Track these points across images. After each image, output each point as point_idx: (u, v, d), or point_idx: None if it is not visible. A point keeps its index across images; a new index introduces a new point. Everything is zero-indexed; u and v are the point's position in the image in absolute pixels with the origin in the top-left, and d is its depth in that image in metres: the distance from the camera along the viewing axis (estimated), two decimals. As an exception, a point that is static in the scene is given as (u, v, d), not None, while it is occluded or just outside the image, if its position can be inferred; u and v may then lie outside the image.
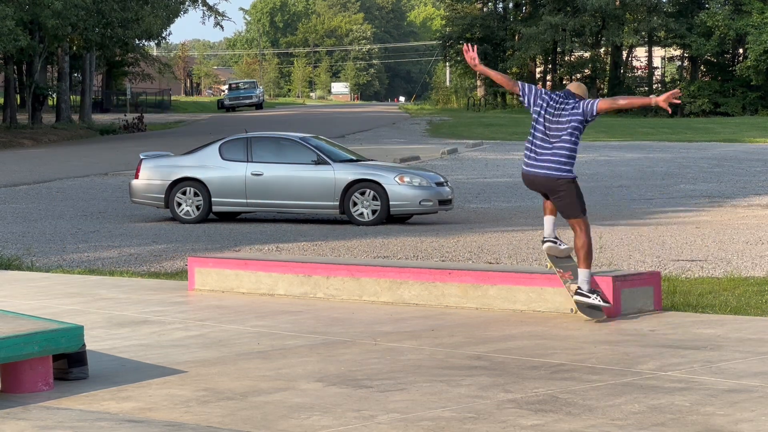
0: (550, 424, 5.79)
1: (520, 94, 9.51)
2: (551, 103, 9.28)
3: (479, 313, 9.57)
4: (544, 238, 9.49)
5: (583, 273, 9.06)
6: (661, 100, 9.00)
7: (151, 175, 20.01)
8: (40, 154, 40.30)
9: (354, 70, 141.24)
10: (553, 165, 9.15)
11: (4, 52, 48.11)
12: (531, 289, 9.59)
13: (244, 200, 19.52)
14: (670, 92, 9.00)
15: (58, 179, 29.24)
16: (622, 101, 9.47)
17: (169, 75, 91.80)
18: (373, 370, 7.25)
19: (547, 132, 9.21)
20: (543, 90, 9.48)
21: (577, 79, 79.96)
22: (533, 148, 9.27)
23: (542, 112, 9.26)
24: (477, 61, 9.52)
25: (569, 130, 9.14)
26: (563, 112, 9.19)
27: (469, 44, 9.60)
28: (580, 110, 9.16)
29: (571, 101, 9.24)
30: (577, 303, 9.05)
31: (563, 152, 9.15)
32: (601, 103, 9.20)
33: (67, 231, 18.16)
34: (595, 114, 9.15)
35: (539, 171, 9.21)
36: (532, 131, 9.30)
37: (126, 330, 9.10)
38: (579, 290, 9.02)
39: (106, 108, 76.05)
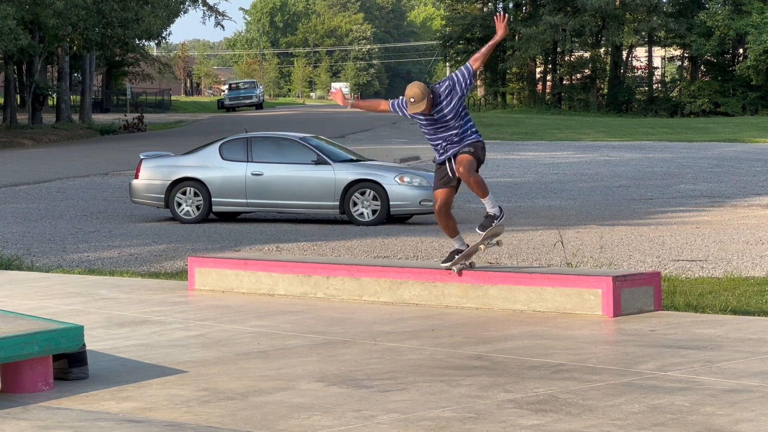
0: (550, 424, 5.79)
1: (392, 111, 9.53)
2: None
3: (479, 313, 9.57)
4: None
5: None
6: (500, 32, 9.23)
7: (151, 175, 20.02)
8: (40, 154, 40.30)
9: (354, 70, 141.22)
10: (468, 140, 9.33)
11: (5, 52, 48.10)
12: (531, 289, 9.59)
13: (244, 200, 19.52)
14: (502, 20, 9.23)
15: (58, 179, 29.25)
16: (483, 49, 9.30)
17: (169, 75, 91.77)
18: (373, 370, 7.25)
19: (445, 125, 9.33)
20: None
21: (578, 79, 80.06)
22: (445, 144, 9.39)
23: (428, 116, 9.30)
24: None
25: (456, 109, 9.26)
26: (442, 102, 9.23)
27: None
28: (453, 84, 9.23)
29: (440, 88, 9.25)
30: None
31: (467, 126, 9.33)
32: (472, 62, 9.24)
33: (67, 231, 18.16)
34: (472, 71, 9.22)
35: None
36: (433, 134, 9.38)
37: (126, 330, 9.10)
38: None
39: (106, 108, 76.07)
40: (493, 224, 9.54)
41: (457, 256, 9.74)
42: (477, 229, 9.62)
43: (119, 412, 6.29)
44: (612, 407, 6.11)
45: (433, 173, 19.91)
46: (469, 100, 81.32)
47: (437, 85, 9.33)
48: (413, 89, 9.17)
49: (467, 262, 9.80)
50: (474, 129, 9.39)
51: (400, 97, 9.41)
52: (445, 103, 9.23)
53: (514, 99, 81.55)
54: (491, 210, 9.56)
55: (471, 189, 9.27)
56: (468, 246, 9.74)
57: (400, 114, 9.36)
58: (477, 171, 9.34)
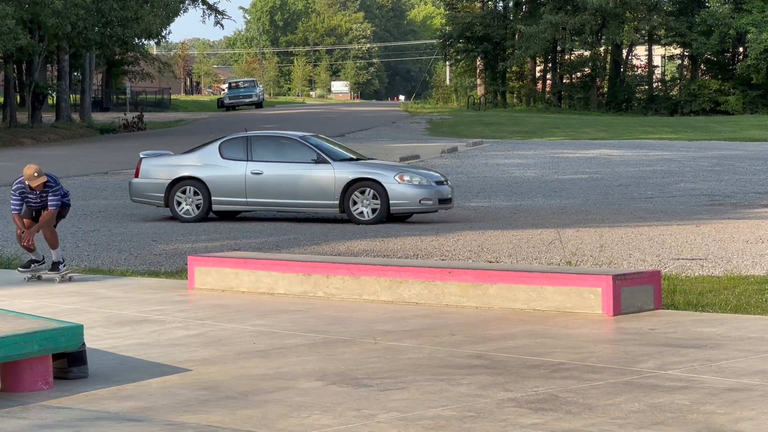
0: (550, 422, 5.79)
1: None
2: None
3: (479, 312, 9.57)
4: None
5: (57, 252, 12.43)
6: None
7: (151, 174, 20.01)
8: (40, 153, 40.28)
9: (354, 68, 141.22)
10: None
11: (4, 51, 48.08)
12: (531, 288, 9.59)
13: (244, 199, 19.51)
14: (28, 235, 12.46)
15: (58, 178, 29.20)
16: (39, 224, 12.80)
17: (169, 74, 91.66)
18: (373, 369, 7.25)
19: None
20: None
21: (578, 78, 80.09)
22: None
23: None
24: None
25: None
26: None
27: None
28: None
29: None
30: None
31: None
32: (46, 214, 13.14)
33: (67, 230, 18.15)
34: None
35: None
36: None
37: (126, 329, 9.10)
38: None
39: (106, 107, 76.01)
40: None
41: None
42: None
43: (119, 411, 6.29)
44: (612, 406, 6.11)
45: (432, 172, 20.00)
46: (469, 98, 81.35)
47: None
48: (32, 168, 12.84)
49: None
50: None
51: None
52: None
53: (514, 98, 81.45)
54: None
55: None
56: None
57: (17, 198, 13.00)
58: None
